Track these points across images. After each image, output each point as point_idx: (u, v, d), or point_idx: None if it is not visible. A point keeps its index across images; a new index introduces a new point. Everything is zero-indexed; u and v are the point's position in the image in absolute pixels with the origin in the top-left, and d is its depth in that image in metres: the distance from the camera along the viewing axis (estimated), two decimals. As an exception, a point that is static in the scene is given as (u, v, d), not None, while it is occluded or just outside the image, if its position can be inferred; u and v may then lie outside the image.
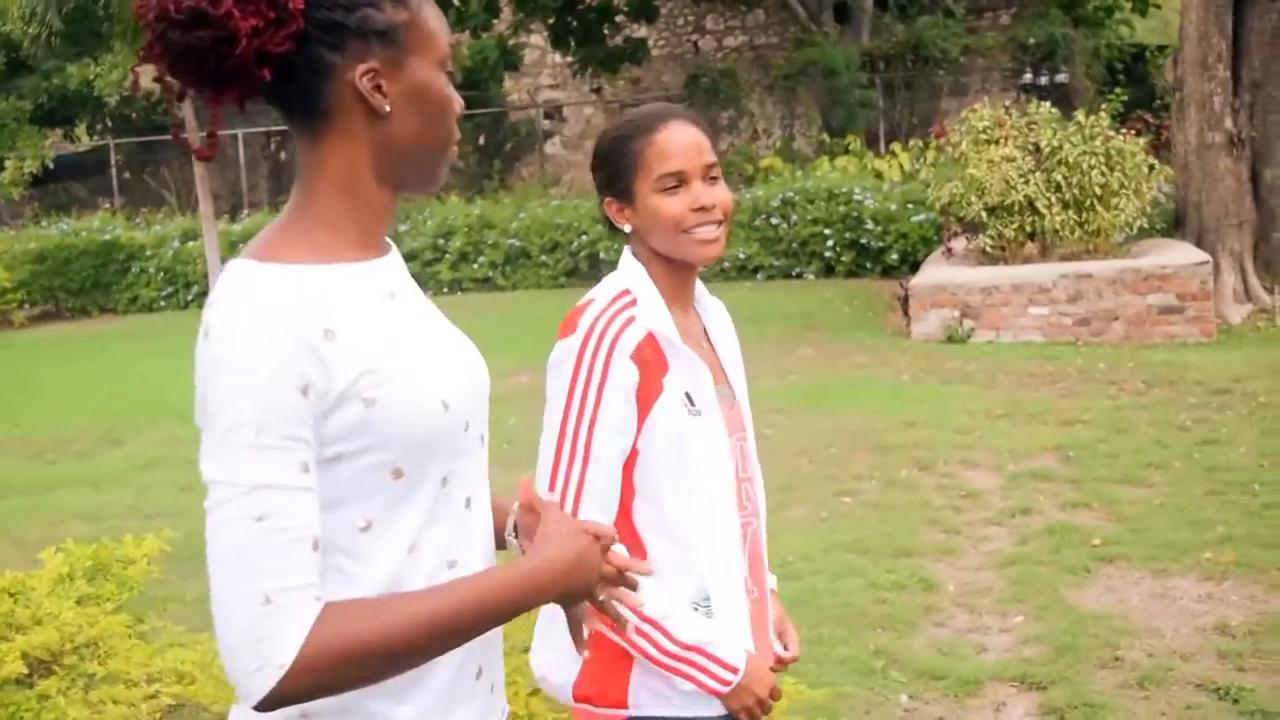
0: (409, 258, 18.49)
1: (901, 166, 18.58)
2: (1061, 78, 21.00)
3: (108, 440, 10.37)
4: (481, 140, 23.91)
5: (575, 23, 21.58)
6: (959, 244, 13.74)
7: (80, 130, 26.03)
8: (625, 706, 2.24)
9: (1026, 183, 12.64)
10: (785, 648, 2.46)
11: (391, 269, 1.66)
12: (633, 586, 1.76)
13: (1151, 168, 12.77)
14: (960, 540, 6.50)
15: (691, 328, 2.34)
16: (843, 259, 17.13)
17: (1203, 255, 12.20)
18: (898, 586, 5.85)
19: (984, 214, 12.83)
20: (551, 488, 2.17)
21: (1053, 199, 12.59)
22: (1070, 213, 12.62)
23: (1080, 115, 13.17)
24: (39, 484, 8.96)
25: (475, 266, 18.86)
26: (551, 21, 21.50)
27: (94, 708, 2.87)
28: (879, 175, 18.45)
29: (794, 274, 17.42)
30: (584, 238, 18.02)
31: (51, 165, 24.07)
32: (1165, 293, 11.75)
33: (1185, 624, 5.24)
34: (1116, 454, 7.88)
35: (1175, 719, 4.45)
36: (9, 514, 8.08)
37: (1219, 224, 13.22)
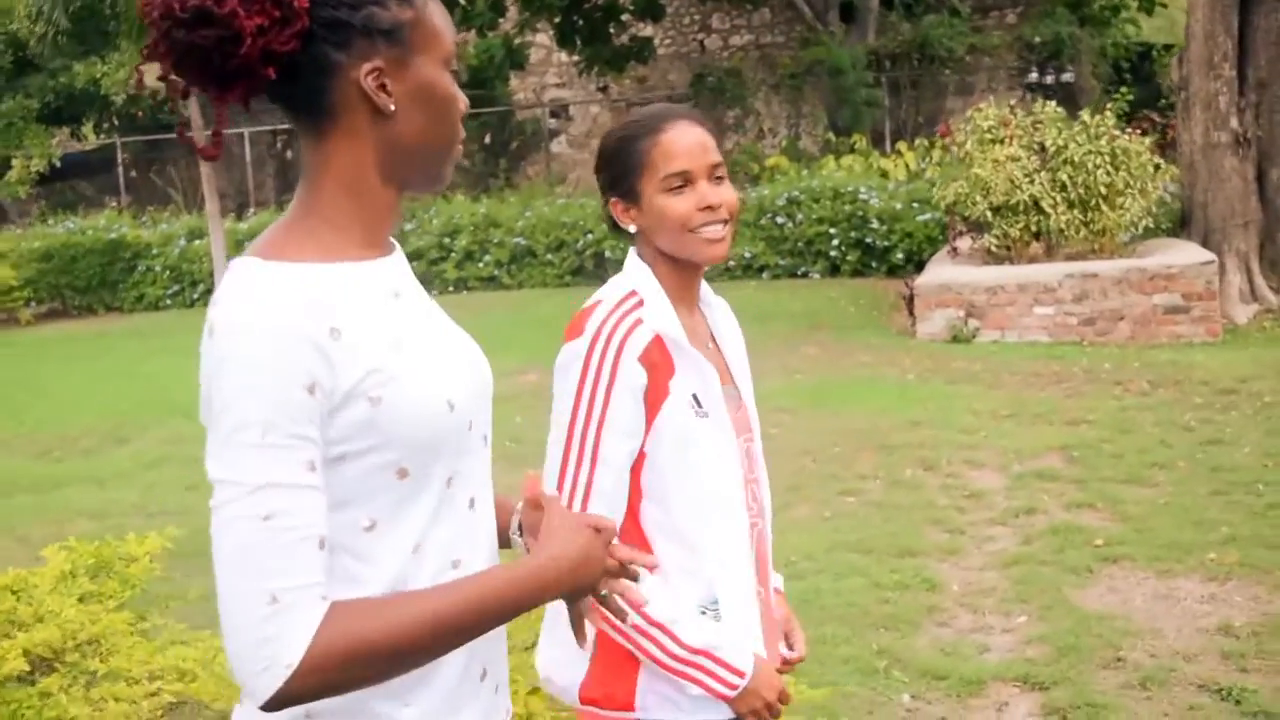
0: (414, 256, 18.51)
1: (907, 166, 18.57)
2: (1067, 77, 20.97)
3: (114, 438, 10.39)
4: (487, 139, 23.91)
5: (581, 21, 21.58)
6: (964, 243, 13.73)
7: (87, 129, 26.07)
8: (632, 709, 2.23)
9: (1032, 182, 12.63)
10: (791, 648, 2.45)
11: (396, 268, 1.66)
12: (634, 578, 1.75)
13: (1157, 167, 12.76)
14: (964, 540, 6.49)
15: (698, 328, 2.33)
16: (848, 258, 17.13)
17: (1208, 255, 12.18)
18: (901, 586, 5.84)
19: (989, 213, 12.83)
20: (559, 490, 2.17)
21: (1058, 198, 12.58)
22: (1075, 212, 12.61)
23: (1085, 115, 13.15)
24: (45, 482, 8.98)
25: (481, 265, 18.87)
26: (557, 20, 21.50)
27: (95, 705, 2.87)
28: (884, 174, 18.44)
29: (799, 273, 17.42)
30: (589, 236, 18.02)
31: (58, 164, 24.11)
32: (1171, 292, 11.74)
33: (1188, 624, 5.23)
34: (1121, 454, 7.87)
35: None
36: (15, 512, 8.09)
37: (1225, 224, 13.20)
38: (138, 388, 12.62)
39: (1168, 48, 21.05)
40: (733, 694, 2.19)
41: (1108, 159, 12.50)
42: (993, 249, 13.07)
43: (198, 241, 19.91)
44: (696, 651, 2.17)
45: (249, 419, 1.42)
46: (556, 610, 2.26)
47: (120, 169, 25.05)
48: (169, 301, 20.13)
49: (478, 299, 17.81)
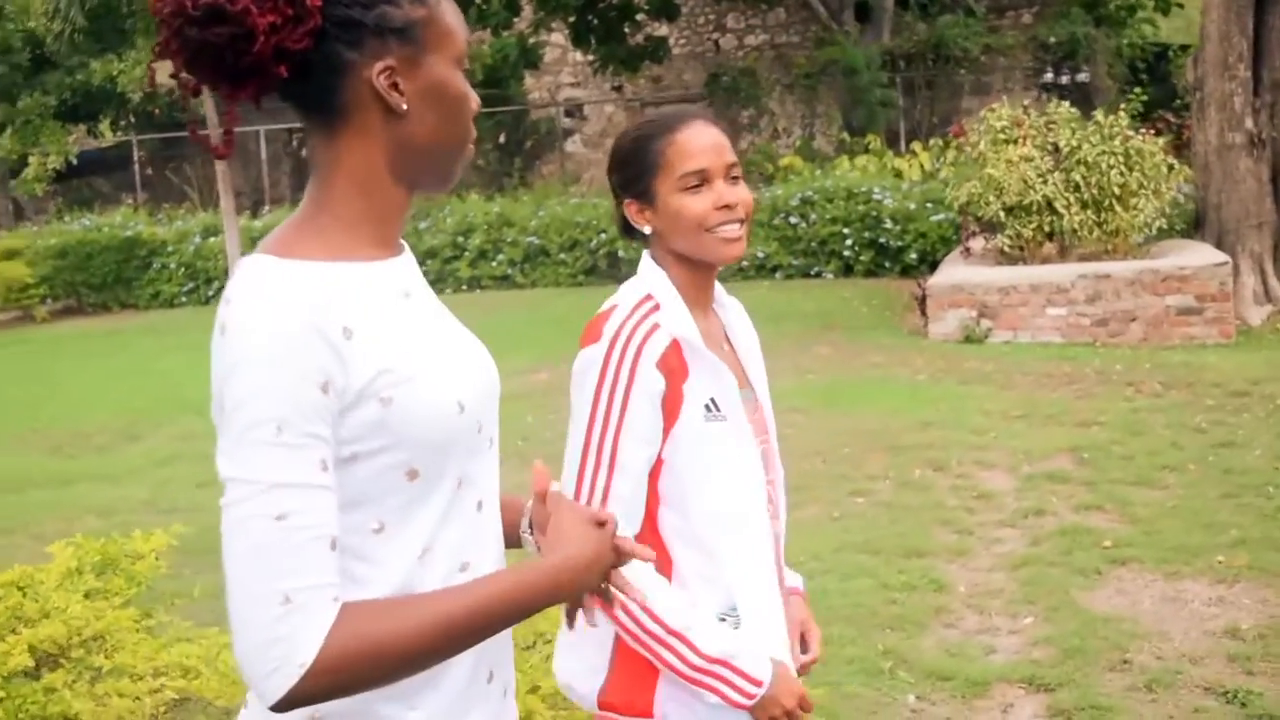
0: (428, 255, 18.56)
1: (922, 166, 18.56)
2: (1083, 77, 20.94)
3: (126, 435, 10.44)
4: (502, 138, 23.95)
5: (596, 21, 21.60)
6: (977, 244, 13.71)
7: (104, 126, 26.21)
8: (651, 717, 2.22)
9: (1045, 182, 12.60)
10: (806, 650, 2.43)
11: (406, 268, 1.65)
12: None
13: (1171, 168, 12.73)
14: (972, 541, 6.49)
15: (713, 330, 2.32)
16: (861, 258, 17.12)
17: (1222, 256, 12.14)
18: (908, 587, 5.84)
19: (1002, 214, 12.81)
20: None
21: (1071, 199, 12.55)
22: (1089, 213, 12.58)
23: (1099, 115, 13.12)
24: (58, 478, 9.03)
25: (494, 264, 18.90)
26: (572, 20, 21.53)
27: (99, 700, 2.89)
28: (899, 174, 18.43)
29: (812, 273, 17.41)
30: (603, 236, 18.04)
31: (75, 161, 24.23)
32: (1184, 294, 11.70)
33: (1195, 627, 5.22)
34: (1132, 456, 7.85)
35: (1183, 722, 4.45)
36: (28, 508, 8.14)
37: (1239, 225, 13.16)
38: (151, 385, 12.68)
39: (1184, 48, 20.97)
40: (751, 703, 2.18)
41: (1121, 159, 12.47)
42: (1006, 249, 13.05)
43: (213, 239, 19.99)
44: (714, 660, 2.15)
45: (262, 417, 1.41)
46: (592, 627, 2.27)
47: (136, 166, 25.16)
48: (184, 299, 20.21)
49: (491, 298, 17.84)
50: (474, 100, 1.65)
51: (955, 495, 7.28)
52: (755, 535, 2.26)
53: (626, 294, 2.26)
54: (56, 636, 3.04)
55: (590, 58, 22.67)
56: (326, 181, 1.59)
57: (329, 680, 1.41)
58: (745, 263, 17.07)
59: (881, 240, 16.99)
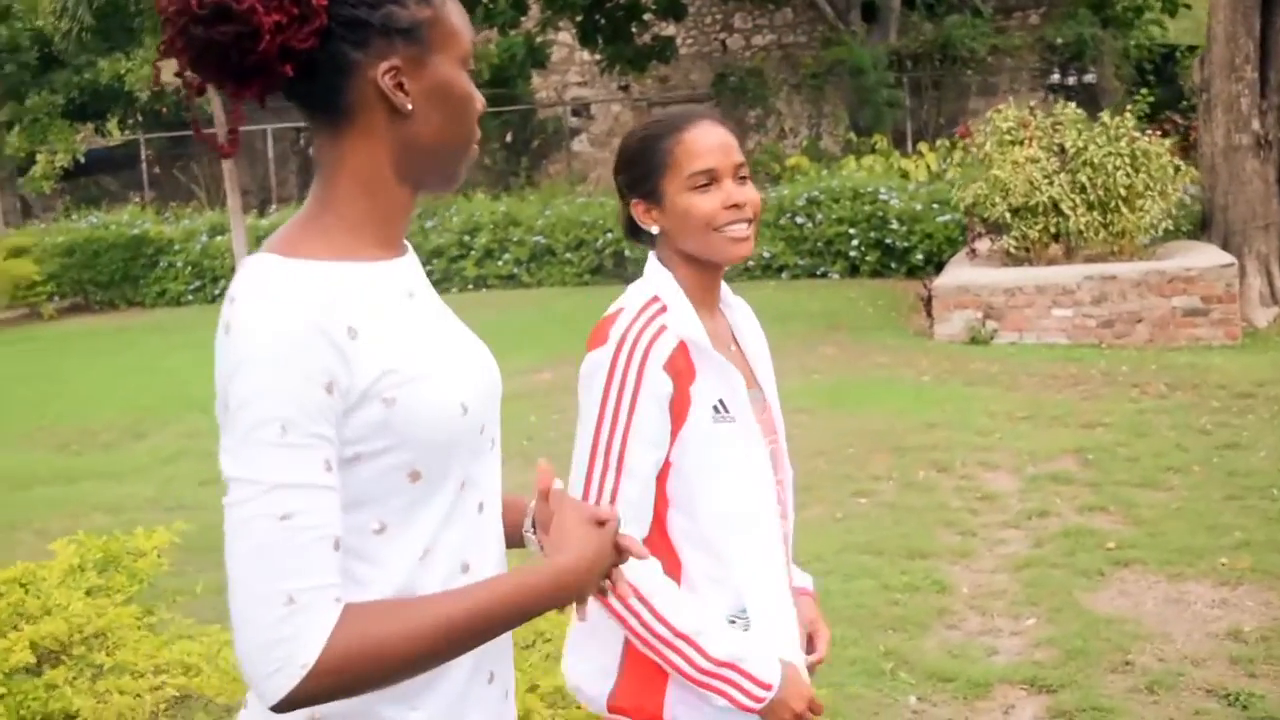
0: (434, 254, 18.58)
1: (928, 166, 18.55)
2: (1090, 78, 20.91)
3: (132, 433, 10.46)
4: (509, 138, 23.98)
5: (603, 20, 21.61)
6: (983, 245, 13.70)
7: (111, 125, 26.27)
8: None
9: (1051, 184, 12.59)
10: (813, 650, 2.42)
11: (410, 269, 1.65)
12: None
13: (1177, 169, 12.71)
14: (976, 542, 6.49)
15: (720, 331, 2.31)
16: (867, 259, 17.11)
17: (1228, 258, 12.12)
18: (911, 588, 5.84)
19: (1008, 215, 12.80)
20: (584, 500, 2.14)
21: (1077, 200, 12.54)
22: (1095, 214, 12.57)
23: (1105, 116, 13.11)
24: (64, 475, 9.05)
25: (500, 263, 18.91)
26: (579, 19, 21.54)
27: (100, 698, 2.91)
28: (905, 175, 18.42)
29: (819, 273, 17.41)
30: (609, 236, 18.04)
31: (83, 159, 24.28)
32: (1190, 295, 11.69)
33: (1198, 629, 5.22)
34: (1136, 457, 7.85)
35: (1184, 724, 4.45)
36: (34, 505, 8.16)
37: (1245, 226, 13.14)
38: (158, 383, 12.71)
39: (1192, 49, 20.95)
40: (759, 706, 2.17)
41: (1127, 161, 12.46)
42: (1011, 250, 13.03)
43: (220, 237, 20.02)
44: (722, 664, 2.14)
45: (267, 416, 1.41)
46: (586, 625, 2.25)
47: (144, 165, 25.22)
48: (190, 297, 20.24)
49: (497, 297, 17.86)
50: (479, 100, 1.65)
51: (959, 496, 7.28)
52: (764, 536, 2.25)
53: (633, 296, 2.25)
54: (58, 633, 3.06)
55: (597, 57, 22.68)
56: (331, 181, 1.59)
57: (331, 681, 1.41)
58: (751, 263, 17.05)
59: (887, 241, 16.98)
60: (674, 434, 2.17)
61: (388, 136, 1.57)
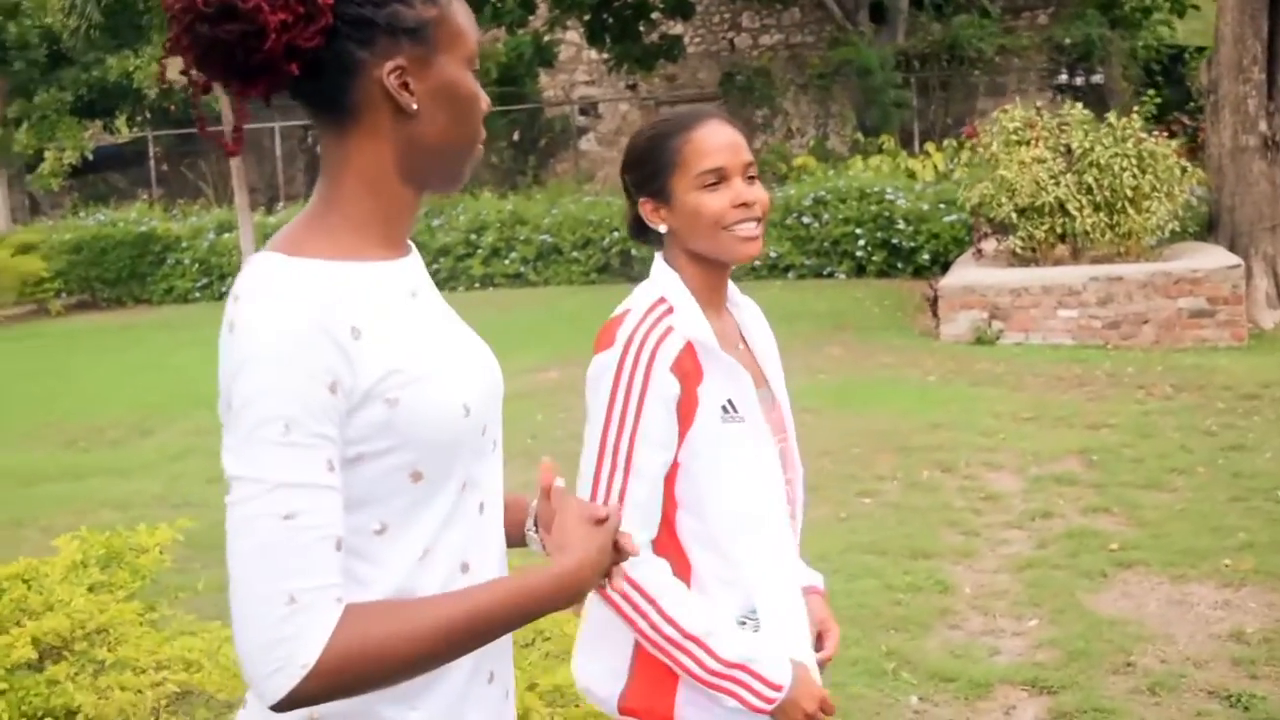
0: (441, 252, 18.61)
1: (935, 166, 18.54)
2: (1098, 78, 20.89)
3: (139, 430, 10.48)
4: (516, 136, 23.99)
5: (611, 19, 21.62)
6: (989, 245, 13.70)
7: (120, 122, 26.30)
8: None
9: (1057, 184, 12.58)
10: (822, 647, 2.41)
11: (414, 269, 1.65)
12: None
13: (1184, 170, 12.69)
14: (979, 543, 6.49)
15: (727, 331, 2.30)
16: (874, 259, 17.11)
17: (1234, 259, 12.11)
18: (914, 588, 5.84)
19: (1014, 215, 12.79)
20: (592, 502, 2.12)
21: (1083, 201, 12.53)
22: (1101, 215, 12.56)
23: (1112, 117, 13.10)
24: (71, 472, 9.07)
25: (507, 262, 18.93)
26: (587, 18, 21.55)
27: (101, 693, 2.92)
28: (912, 175, 18.41)
29: (825, 273, 17.41)
30: (616, 234, 18.05)
31: (91, 156, 24.32)
32: (1196, 296, 11.68)
33: (1200, 630, 5.21)
34: (1141, 458, 7.84)
35: (1185, 725, 4.45)
36: (40, 501, 8.18)
37: (1252, 228, 13.12)
38: (165, 380, 12.73)
39: (1200, 50, 20.91)
40: (770, 707, 2.16)
41: (1134, 162, 12.45)
42: (1018, 251, 13.03)
43: (227, 235, 20.06)
44: (732, 665, 2.13)
45: (271, 415, 1.41)
46: (595, 626, 2.26)
47: (152, 162, 25.27)
48: (198, 294, 20.29)
49: (504, 295, 17.89)
50: (484, 101, 1.65)
51: (963, 497, 7.28)
52: (774, 536, 2.25)
53: (639, 297, 2.24)
54: (60, 629, 3.07)
55: (605, 56, 22.69)
56: (336, 180, 1.59)
57: (331, 681, 1.41)
58: (758, 263, 17.07)
59: (894, 241, 16.98)
60: (681, 435, 2.16)
61: (393, 136, 1.57)
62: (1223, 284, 11.66)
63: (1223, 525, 6.49)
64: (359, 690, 1.46)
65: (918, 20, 22.43)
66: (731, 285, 2.36)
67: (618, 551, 1.70)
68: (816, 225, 17.43)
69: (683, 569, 2.19)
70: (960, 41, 21.26)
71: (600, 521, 1.68)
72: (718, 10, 24.66)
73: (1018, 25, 22.44)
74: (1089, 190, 12.54)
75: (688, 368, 2.15)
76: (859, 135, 21.02)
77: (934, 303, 12.80)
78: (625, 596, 2.13)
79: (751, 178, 2.24)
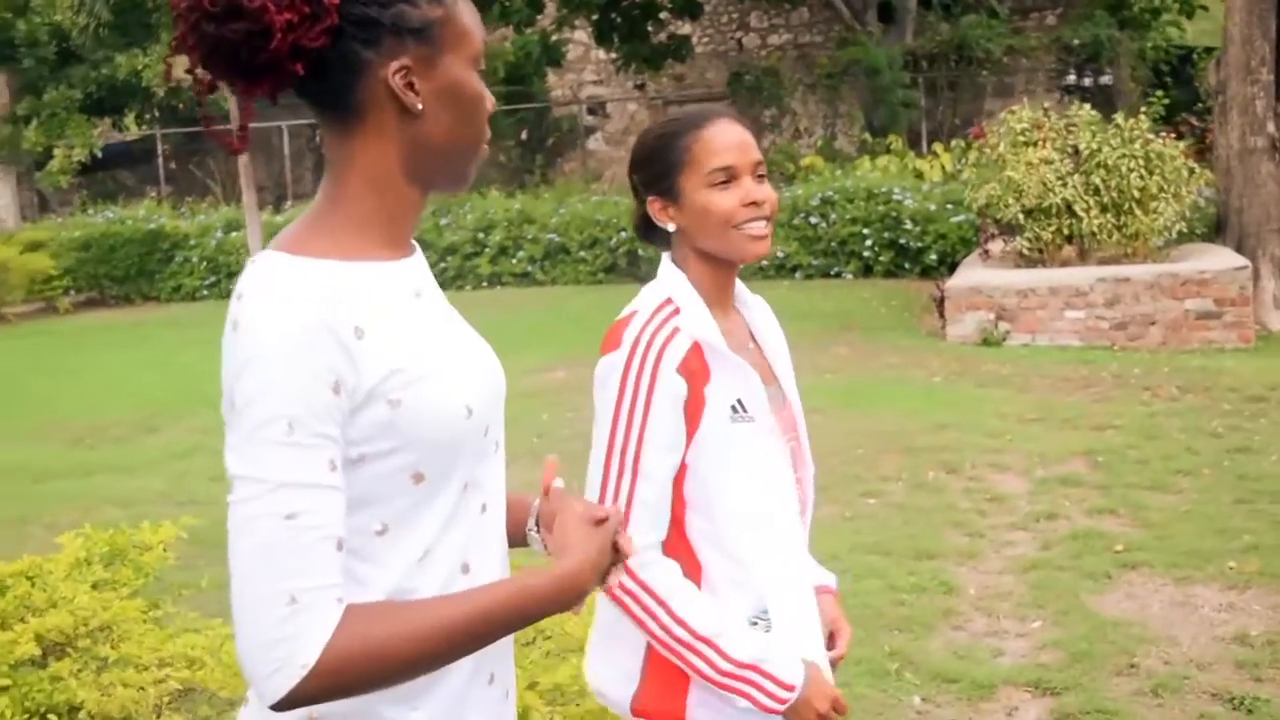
0: (448, 251, 18.62)
1: (943, 167, 18.53)
2: (1106, 79, 20.85)
3: (145, 427, 10.50)
4: (524, 135, 24.01)
5: (619, 19, 21.64)
6: (996, 246, 13.69)
7: (129, 120, 26.34)
8: None
9: (1064, 185, 12.57)
10: (833, 646, 2.41)
11: (417, 269, 1.65)
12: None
13: (1191, 171, 12.67)
14: (983, 544, 6.48)
15: (736, 330, 2.30)
16: (881, 259, 17.11)
17: (1242, 260, 12.09)
18: (917, 589, 5.84)
19: (1021, 216, 12.78)
20: (601, 504, 2.09)
21: (1090, 202, 12.52)
22: (1108, 216, 12.55)
23: (1119, 118, 13.08)
24: (76, 469, 9.09)
25: (514, 261, 18.95)
26: (595, 17, 21.57)
27: (104, 690, 2.93)
28: (920, 175, 18.40)
29: (832, 273, 17.41)
30: (623, 234, 18.06)
31: (100, 154, 24.35)
32: (1204, 298, 11.67)
33: (1204, 633, 5.21)
34: (1146, 460, 7.84)
35: (1188, 727, 4.44)
36: (46, 498, 8.20)
37: (1260, 229, 13.10)
38: (172, 377, 12.76)
39: (1209, 51, 20.87)
40: (783, 707, 2.16)
41: (1141, 163, 12.43)
42: (1024, 252, 13.02)
43: (235, 233, 20.09)
44: (744, 666, 2.13)
45: (274, 415, 1.41)
46: (605, 625, 2.27)
47: (160, 160, 25.30)
48: (205, 292, 20.31)
49: (511, 295, 17.90)
50: (490, 101, 1.65)
51: (968, 498, 7.28)
52: (783, 535, 2.24)
53: (646, 298, 2.24)
54: (63, 626, 3.08)
55: (613, 56, 22.70)
56: (340, 180, 1.59)
57: (331, 681, 1.41)
58: (765, 263, 17.02)
59: (901, 241, 16.98)
60: (689, 436, 2.16)
61: (397, 136, 1.57)
62: (1230, 285, 11.64)
63: (1228, 527, 6.48)
64: (359, 690, 1.46)
65: (926, 20, 22.41)
66: (740, 284, 2.36)
67: (617, 552, 1.70)
68: (824, 225, 17.43)
69: (693, 570, 2.19)
70: (968, 42, 21.24)
71: (600, 522, 1.68)
72: (726, 10, 24.66)
73: (1026, 26, 22.41)
74: (1096, 191, 12.53)
75: (694, 368, 2.15)
76: (867, 135, 21.01)
77: (940, 303, 12.79)
78: (635, 598, 2.13)
79: (761, 176, 2.24)
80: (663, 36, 22.36)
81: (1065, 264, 12.73)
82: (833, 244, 17.39)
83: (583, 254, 18.65)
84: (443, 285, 1.73)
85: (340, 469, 1.46)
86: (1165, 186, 12.43)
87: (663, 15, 22.03)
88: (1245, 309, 11.67)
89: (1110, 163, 12.47)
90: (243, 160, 17.67)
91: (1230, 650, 5.01)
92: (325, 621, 1.41)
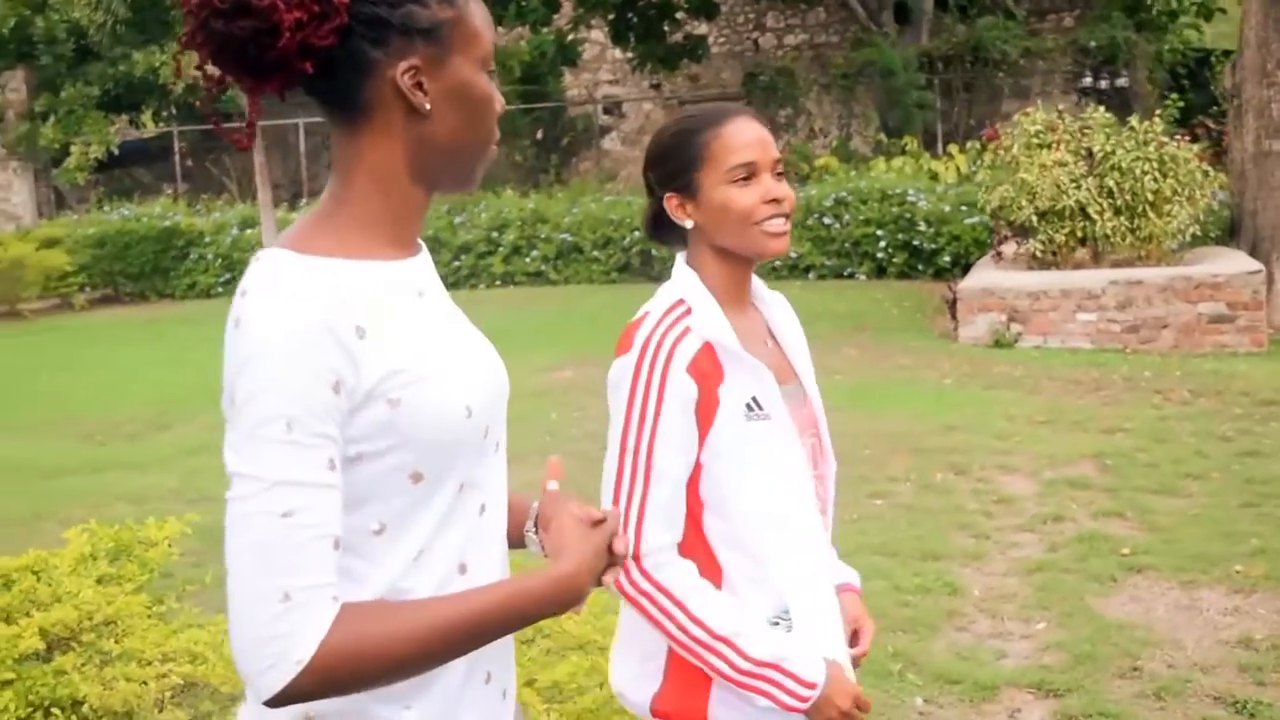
0: (462, 250, 18.66)
1: (958, 168, 18.50)
2: (1122, 82, 20.80)
3: (157, 424, 10.55)
4: (539, 135, 24.04)
5: (635, 19, 21.65)
6: (1009, 248, 13.67)
7: (146, 117, 26.40)
8: None
9: (1078, 188, 12.54)
10: (857, 644, 2.39)
11: (422, 268, 1.65)
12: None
13: (1205, 174, 12.64)
14: (989, 545, 6.49)
15: (753, 327, 2.29)
16: (894, 260, 17.10)
17: (1255, 264, 12.06)
18: (922, 590, 5.85)
19: (1034, 218, 12.75)
20: (615, 505, 2.13)
21: (1104, 204, 12.49)
22: (1122, 219, 12.52)
23: (1134, 121, 13.05)
24: (88, 465, 9.14)
25: (528, 260, 18.98)
26: (612, 17, 21.59)
27: (107, 684, 2.95)
28: (934, 177, 18.38)
29: (845, 274, 17.40)
30: (636, 234, 18.06)
31: (117, 151, 24.42)
32: (1216, 301, 11.63)
33: (1208, 636, 5.21)
34: (1155, 463, 7.83)
35: (1190, 731, 4.45)
36: (57, 494, 8.24)
37: (1274, 233, 13.05)
38: (185, 374, 12.80)
39: (1227, 54, 20.80)
40: (805, 706, 2.14)
41: (1155, 166, 12.40)
42: (1038, 254, 12.99)
43: (250, 230, 20.17)
44: (764, 664, 2.12)
45: (273, 414, 1.42)
46: (627, 627, 2.27)
47: (177, 157, 25.39)
48: (220, 290, 20.38)
49: (524, 294, 17.92)
50: (499, 102, 1.65)
51: (975, 499, 7.28)
52: (802, 533, 2.23)
53: (659, 299, 2.24)
54: (68, 621, 3.11)
55: (629, 55, 22.71)
56: (346, 179, 1.59)
57: (324, 679, 1.42)
58: (778, 263, 17.02)
59: (915, 242, 16.96)
60: (702, 436, 2.15)
61: (405, 136, 1.58)
62: (1243, 289, 11.61)
63: (1235, 531, 6.47)
64: (353, 689, 1.47)
65: (942, 21, 22.38)
66: (758, 281, 2.35)
67: (613, 555, 1.71)
68: (838, 226, 17.43)
69: (712, 570, 2.18)
70: (984, 43, 21.19)
71: (597, 524, 1.69)
72: (742, 10, 24.66)
73: (1042, 28, 22.36)
74: (1110, 194, 12.50)
75: (706, 368, 2.14)
76: (882, 136, 20.99)
77: (953, 305, 12.78)
78: (652, 599, 2.13)
79: (779, 174, 2.24)
80: (679, 36, 22.37)
81: (1078, 266, 12.71)
82: (846, 245, 17.38)
83: (596, 254, 18.67)
84: (456, 284, 1.74)
85: (339, 468, 1.46)
86: (1179, 189, 12.40)
87: (679, 15, 22.04)
88: (1258, 313, 11.63)
89: (1124, 165, 12.44)
90: (258, 158, 17.74)
91: (1234, 654, 5.01)
92: (320, 619, 1.41)
